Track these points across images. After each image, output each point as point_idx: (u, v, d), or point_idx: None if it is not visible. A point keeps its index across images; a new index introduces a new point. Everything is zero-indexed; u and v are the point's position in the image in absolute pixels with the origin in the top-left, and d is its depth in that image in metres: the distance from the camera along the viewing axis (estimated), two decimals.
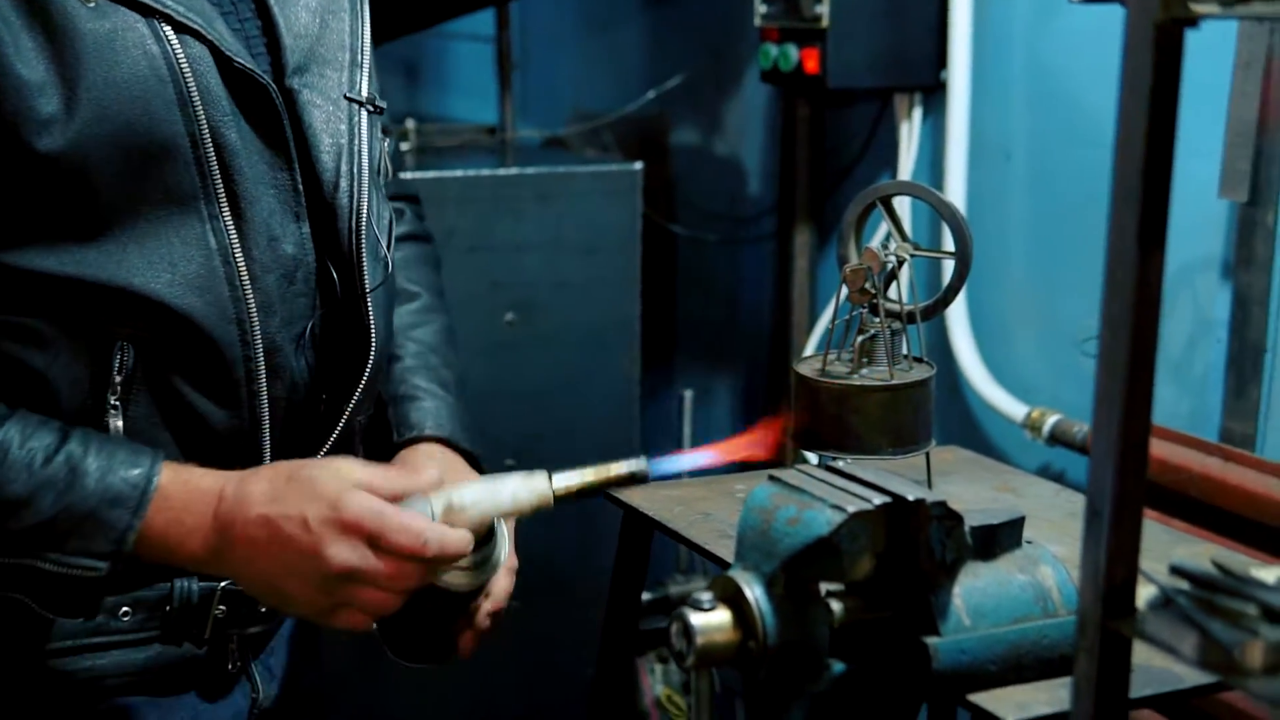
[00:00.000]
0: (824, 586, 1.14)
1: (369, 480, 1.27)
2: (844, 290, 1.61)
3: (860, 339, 1.61)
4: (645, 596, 2.73)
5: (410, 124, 3.00)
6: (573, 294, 2.71)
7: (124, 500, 1.25)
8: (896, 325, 1.62)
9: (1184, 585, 0.91)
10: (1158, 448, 1.99)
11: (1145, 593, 0.91)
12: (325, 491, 1.24)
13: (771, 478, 1.18)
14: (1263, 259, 1.91)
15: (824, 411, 1.58)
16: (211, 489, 1.27)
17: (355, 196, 1.41)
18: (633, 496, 1.77)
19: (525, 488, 1.27)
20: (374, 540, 1.23)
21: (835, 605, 1.14)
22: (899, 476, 1.16)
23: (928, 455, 1.64)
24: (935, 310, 1.67)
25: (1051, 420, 2.20)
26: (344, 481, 1.25)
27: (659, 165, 3.31)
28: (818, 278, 2.89)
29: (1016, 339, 2.43)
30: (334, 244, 1.41)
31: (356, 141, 1.42)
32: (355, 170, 1.41)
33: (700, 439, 3.26)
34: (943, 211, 1.64)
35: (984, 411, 2.46)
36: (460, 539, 1.26)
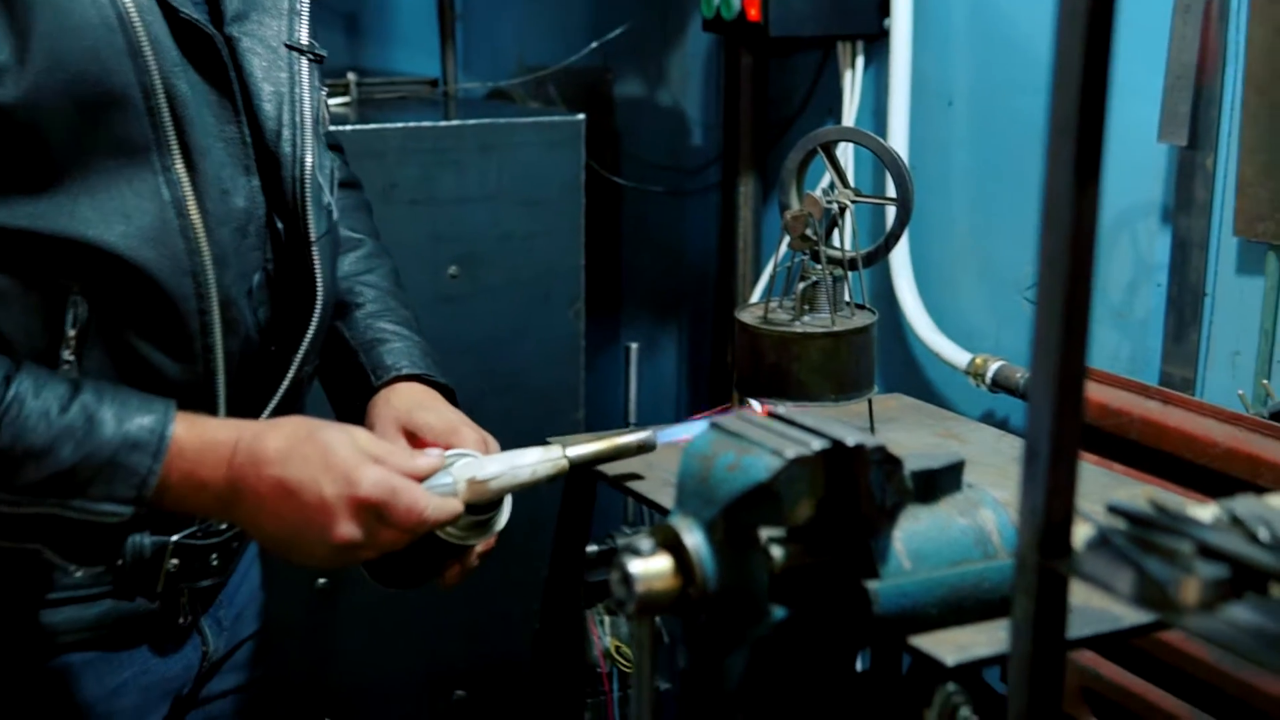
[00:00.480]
0: (764, 532, 1.12)
1: (382, 454, 1.29)
2: (786, 238, 1.60)
3: (802, 286, 1.60)
4: (592, 549, 2.72)
5: (351, 77, 2.94)
6: (516, 246, 2.67)
7: (143, 445, 1.24)
8: (838, 272, 1.61)
9: (1121, 524, 0.90)
10: (1098, 391, 1.99)
11: (1083, 533, 0.91)
12: (342, 463, 1.26)
13: (712, 425, 1.17)
14: (1202, 202, 1.90)
15: (766, 359, 1.57)
16: (226, 441, 1.27)
17: (298, 145, 1.40)
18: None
19: (544, 460, 1.36)
20: (381, 515, 1.27)
21: (776, 550, 1.12)
22: (840, 422, 1.15)
23: (870, 402, 1.63)
24: (877, 256, 1.66)
25: (994, 367, 2.19)
26: (360, 454, 1.27)
27: (603, 117, 3.27)
28: (762, 228, 2.87)
29: (959, 286, 2.41)
30: (278, 194, 1.40)
31: (298, 89, 1.41)
32: (297, 119, 1.40)
33: (646, 391, 3.20)
34: (883, 157, 1.63)
35: (927, 358, 2.45)
36: (453, 509, 1.32)
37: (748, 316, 1.62)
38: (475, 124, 2.62)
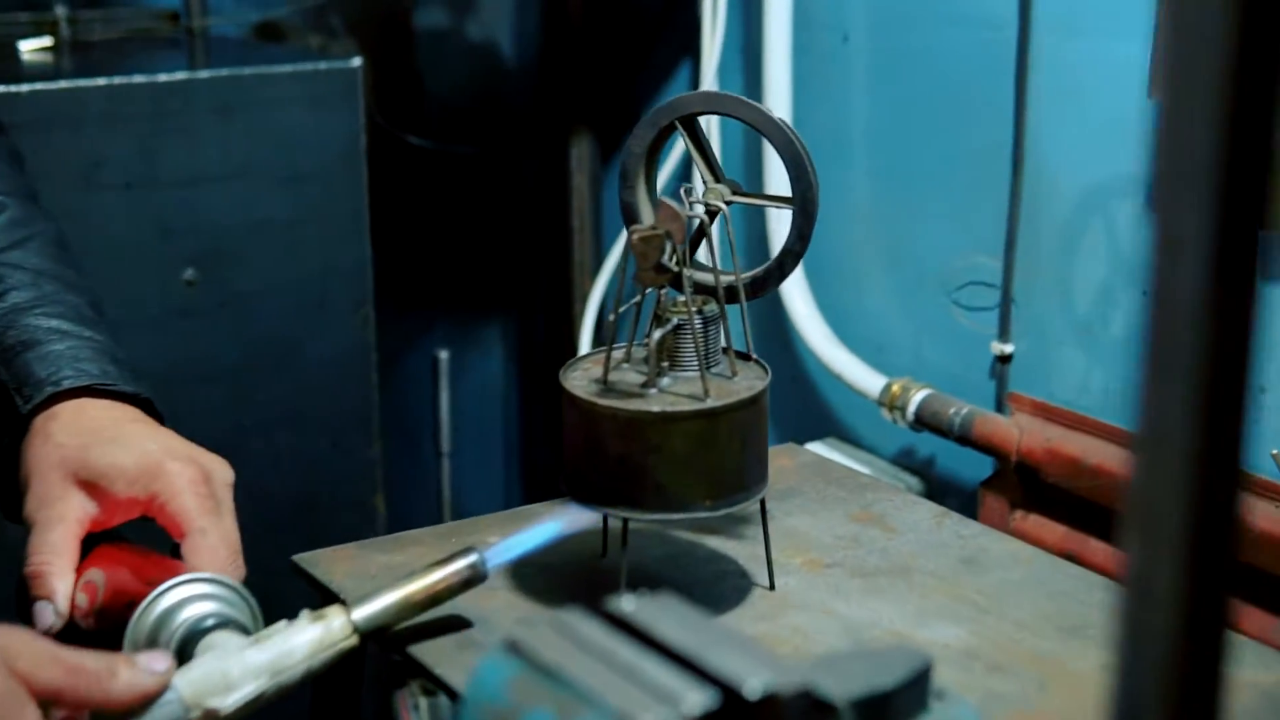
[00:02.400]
0: None
1: (55, 684, 1.00)
2: (630, 265, 1.21)
3: (659, 334, 1.21)
4: None
5: (60, 13, 2.63)
6: (275, 238, 2.40)
7: None
8: (711, 309, 1.23)
9: None
10: (1063, 440, 1.76)
11: None
12: None
13: (512, 646, 0.77)
14: None
15: (607, 451, 1.18)
16: None
17: None
18: (332, 568, 1.39)
19: (324, 647, 1.13)
20: None
21: None
22: (727, 633, 0.77)
23: (763, 502, 1.26)
24: (768, 284, 1.29)
25: (917, 398, 1.90)
26: (17, 697, 0.98)
27: (400, 57, 3.04)
28: (601, 198, 2.69)
29: (865, 282, 2.19)
30: None
31: None
32: None
33: (464, 411, 3.03)
34: (773, 137, 1.25)
35: (825, 381, 2.21)
36: None
37: (578, 381, 1.22)
38: (209, 77, 2.32)
